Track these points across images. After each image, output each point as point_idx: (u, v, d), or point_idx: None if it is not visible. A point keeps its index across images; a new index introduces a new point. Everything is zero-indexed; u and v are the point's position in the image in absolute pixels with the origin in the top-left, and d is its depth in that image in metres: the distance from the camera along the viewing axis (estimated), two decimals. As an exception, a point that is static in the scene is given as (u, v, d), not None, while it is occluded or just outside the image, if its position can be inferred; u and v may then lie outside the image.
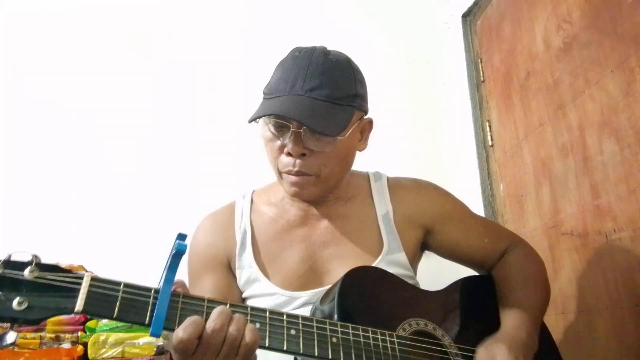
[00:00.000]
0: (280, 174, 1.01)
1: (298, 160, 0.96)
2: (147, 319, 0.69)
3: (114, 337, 1.37)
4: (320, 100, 0.94)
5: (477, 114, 2.05)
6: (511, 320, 0.97)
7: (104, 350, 1.37)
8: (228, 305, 0.74)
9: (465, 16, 2.18)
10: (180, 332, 0.68)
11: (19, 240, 1.74)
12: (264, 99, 1.00)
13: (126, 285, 0.70)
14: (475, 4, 2.10)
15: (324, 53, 0.99)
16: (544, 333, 1.07)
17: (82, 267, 1.54)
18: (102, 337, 1.37)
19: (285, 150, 0.96)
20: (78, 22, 2.04)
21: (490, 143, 1.98)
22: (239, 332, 0.71)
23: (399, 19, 2.26)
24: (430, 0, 2.31)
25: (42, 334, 1.36)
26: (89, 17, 2.05)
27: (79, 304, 0.66)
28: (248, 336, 0.71)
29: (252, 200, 1.14)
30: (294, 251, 1.05)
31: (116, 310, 0.68)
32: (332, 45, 1.04)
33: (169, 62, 2.06)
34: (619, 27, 1.29)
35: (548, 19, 1.61)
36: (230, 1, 2.18)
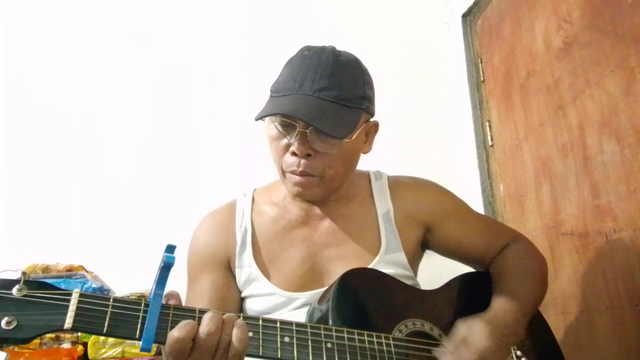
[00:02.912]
0: (284, 173, 1.00)
1: (303, 161, 0.96)
2: (138, 333, 0.69)
3: (114, 337, 1.37)
4: (329, 101, 0.93)
5: (477, 114, 2.05)
6: (499, 304, 0.96)
7: (104, 350, 1.37)
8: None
9: (465, 16, 2.18)
10: (176, 331, 0.68)
11: (19, 240, 1.75)
12: (271, 96, 0.99)
13: (115, 300, 0.69)
14: (475, 4, 2.10)
15: (333, 53, 0.98)
16: (545, 333, 1.07)
17: (82, 267, 1.54)
18: (102, 337, 1.37)
19: (291, 149, 0.96)
20: (78, 22, 2.04)
21: (490, 143, 1.98)
22: (230, 336, 0.71)
23: (399, 19, 2.26)
24: (430, 0, 2.31)
25: (42, 334, 1.36)
26: (89, 17, 2.05)
27: (68, 321, 0.66)
28: (235, 339, 0.71)
29: (253, 199, 1.13)
30: (294, 251, 1.05)
31: (106, 325, 0.67)
32: (332, 45, 1.04)
33: (169, 62, 2.06)
34: (619, 27, 1.29)
35: (548, 19, 1.61)
36: (230, 1, 2.18)
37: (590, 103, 1.40)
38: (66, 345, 1.36)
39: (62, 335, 1.38)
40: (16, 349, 1.32)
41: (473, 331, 0.86)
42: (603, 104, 1.34)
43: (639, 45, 1.22)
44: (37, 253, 1.57)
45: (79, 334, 1.39)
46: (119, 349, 1.37)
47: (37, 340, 1.35)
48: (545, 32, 1.63)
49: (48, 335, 1.37)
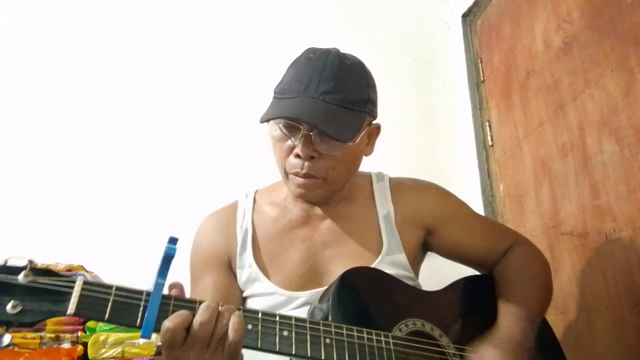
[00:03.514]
0: (287, 174, 1.01)
1: (306, 163, 0.96)
2: (138, 321, 0.70)
3: (114, 337, 1.37)
4: (333, 104, 0.94)
5: (477, 114, 2.05)
6: (506, 318, 0.96)
7: (104, 350, 1.36)
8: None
9: (465, 16, 2.18)
10: (168, 322, 0.69)
11: (19, 240, 1.74)
12: (275, 98, 0.99)
13: (118, 288, 0.71)
14: (475, 4, 2.11)
15: (338, 56, 0.99)
16: (547, 333, 1.07)
17: (82, 267, 1.54)
18: (102, 337, 1.37)
19: (295, 151, 0.96)
20: (78, 22, 2.04)
21: (490, 143, 1.99)
22: (226, 327, 0.72)
23: (399, 19, 2.26)
24: (430, 0, 2.31)
25: (42, 334, 1.36)
26: (89, 17, 2.05)
27: (71, 307, 0.67)
28: (232, 329, 0.71)
29: (254, 200, 1.14)
30: (294, 251, 1.05)
31: (107, 313, 0.69)
32: (332, 45, 1.04)
33: (169, 62, 2.06)
34: (619, 27, 1.29)
35: (548, 18, 1.61)
36: (230, 1, 2.18)
37: (590, 103, 1.40)
38: (66, 345, 1.36)
39: (62, 335, 1.38)
40: (16, 348, 1.32)
41: None
42: (603, 103, 1.34)
43: (639, 45, 1.22)
44: (37, 253, 1.56)
45: (79, 333, 1.39)
46: (119, 349, 1.37)
47: (37, 340, 1.35)
48: (545, 32, 1.63)
49: (48, 335, 1.37)
